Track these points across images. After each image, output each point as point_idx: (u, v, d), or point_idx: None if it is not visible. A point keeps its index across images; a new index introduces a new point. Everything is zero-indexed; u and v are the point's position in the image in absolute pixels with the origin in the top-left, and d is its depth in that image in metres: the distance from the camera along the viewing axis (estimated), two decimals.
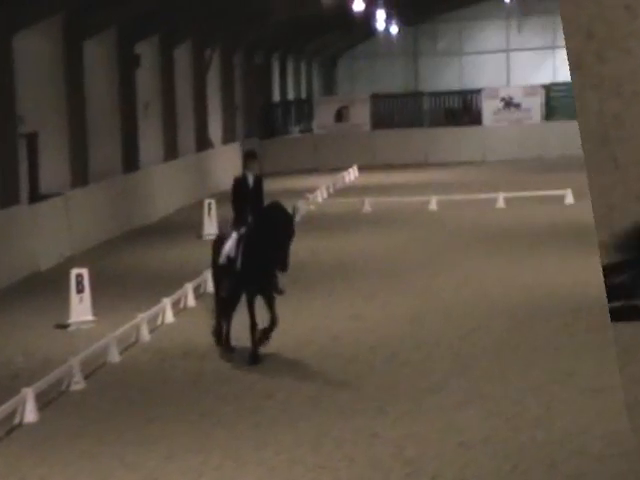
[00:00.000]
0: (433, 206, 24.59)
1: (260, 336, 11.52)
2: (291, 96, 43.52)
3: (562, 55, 46.35)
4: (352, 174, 34.42)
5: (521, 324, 12.72)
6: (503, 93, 38.45)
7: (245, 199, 11.91)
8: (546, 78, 43.43)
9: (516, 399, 9.71)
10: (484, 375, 10.51)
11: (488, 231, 20.67)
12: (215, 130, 34.45)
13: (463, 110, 38.30)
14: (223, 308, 12.10)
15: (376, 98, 39.46)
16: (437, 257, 17.94)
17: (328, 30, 39.88)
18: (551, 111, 37.77)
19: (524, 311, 13.41)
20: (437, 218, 23.05)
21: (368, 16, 37.78)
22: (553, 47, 46.39)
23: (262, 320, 11.57)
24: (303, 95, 45.07)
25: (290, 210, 11.81)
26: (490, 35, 46.92)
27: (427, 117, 38.89)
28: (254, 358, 11.53)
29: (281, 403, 10.09)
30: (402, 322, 13.02)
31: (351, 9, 33.77)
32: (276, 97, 41.54)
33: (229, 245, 11.95)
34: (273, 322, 11.45)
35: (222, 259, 12.01)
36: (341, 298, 13.92)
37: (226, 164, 34.69)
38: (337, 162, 35.97)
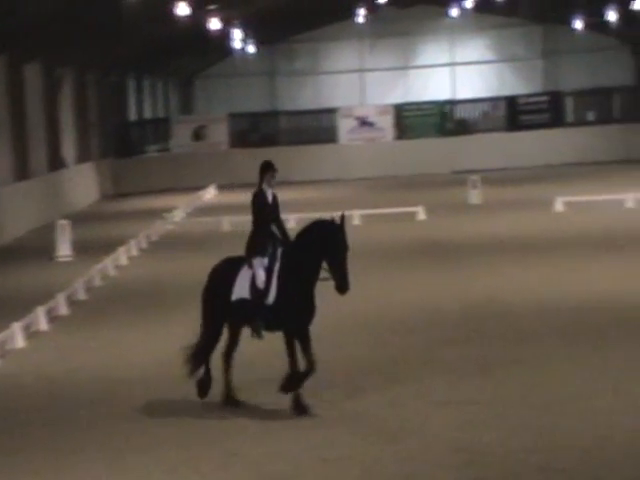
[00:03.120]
0: (292, 224, 24.73)
1: (293, 381, 9.63)
2: (148, 115, 43.00)
3: (413, 75, 47.78)
4: (211, 193, 34.26)
5: (379, 338, 12.94)
6: (357, 112, 39.21)
7: (266, 218, 10.00)
8: (399, 98, 44.56)
9: (374, 414, 9.86)
10: (344, 392, 10.62)
11: None
12: (69, 149, 33.64)
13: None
14: (208, 351, 10.07)
15: (233, 117, 39.56)
16: None
17: (184, 49, 39.67)
18: (402, 130, 38.80)
19: (382, 326, 13.65)
20: (294, 236, 23.19)
21: (224, 36, 37.79)
22: (405, 67, 47.67)
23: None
24: (160, 114, 44.60)
25: (337, 220, 9.69)
26: (344, 55, 47.78)
27: (284, 136, 39.26)
28: (297, 408, 9.70)
29: (140, 425, 9.90)
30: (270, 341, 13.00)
31: (207, 28, 33.70)
32: (132, 116, 40.96)
33: (247, 275, 9.75)
34: (312, 366, 9.68)
35: (238, 294, 9.75)
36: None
37: (80, 184, 33.93)
38: (195, 181, 35.77)
